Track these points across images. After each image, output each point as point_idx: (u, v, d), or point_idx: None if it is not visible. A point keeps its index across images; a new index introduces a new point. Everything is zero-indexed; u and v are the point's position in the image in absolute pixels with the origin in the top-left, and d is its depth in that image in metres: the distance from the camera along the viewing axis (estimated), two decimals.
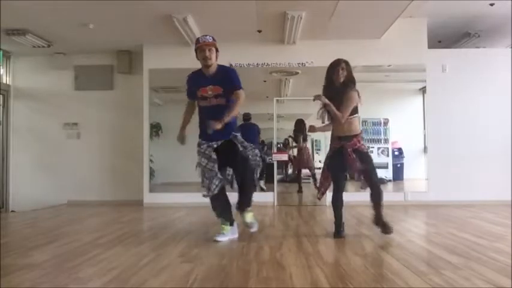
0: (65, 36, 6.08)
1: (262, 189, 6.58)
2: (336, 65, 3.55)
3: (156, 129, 6.57)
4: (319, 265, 2.62)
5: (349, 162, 3.45)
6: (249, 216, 3.61)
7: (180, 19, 5.22)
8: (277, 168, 6.68)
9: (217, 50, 3.47)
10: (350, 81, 3.56)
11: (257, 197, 6.26)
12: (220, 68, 3.50)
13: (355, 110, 3.51)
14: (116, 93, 6.94)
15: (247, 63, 6.34)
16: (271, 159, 6.62)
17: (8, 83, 7.02)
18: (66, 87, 6.98)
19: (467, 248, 3.06)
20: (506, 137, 6.09)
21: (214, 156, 3.39)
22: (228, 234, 3.55)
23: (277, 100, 6.53)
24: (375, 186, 3.49)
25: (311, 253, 2.98)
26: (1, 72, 6.89)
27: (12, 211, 6.71)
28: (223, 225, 3.57)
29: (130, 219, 5.08)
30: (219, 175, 3.40)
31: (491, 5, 5.39)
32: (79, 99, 6.92)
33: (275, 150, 6.78)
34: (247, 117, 6.73)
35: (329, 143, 3.71)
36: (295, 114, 7.33)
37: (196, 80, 3.49)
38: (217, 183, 3.39)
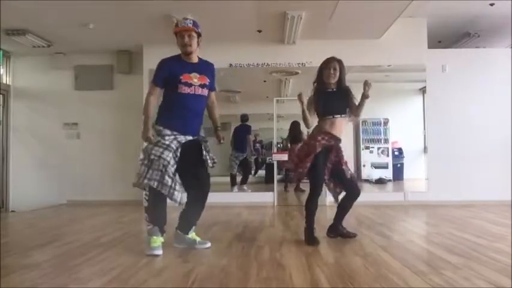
0: (65, 36, 6.08)
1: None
2: (327, 64, 3.41)
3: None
4: (319, 265, 2.62)
5: (339, 165, 3.40)
6: (195, 235, 3.22)
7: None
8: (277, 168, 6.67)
9: (199, 35, 3.16)
10: (344, 85, 3.44)
11: (257, 197, 6.38)
12: (203, 60, 3.27)
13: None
14: (116, 93, 6.94)
15: (247, 63, 6.34)
16: (271, 159, 6.64)
17: (8, 83, 7.01)
18: (66, 87, 6.98)
19: (467, 248, 3.06)
20: (506, 137, 6.08)
21: (177, 153, 3.02)
22: (160, 247, 3.04)
23: (277, 100, 6.53)
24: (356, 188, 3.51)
25: (311, 253, 2.98)
26: (1, 72, 6.88)
27: (12, 211, 6.70)
28: (155, 237, 3.03)
29: (131, 219, 5.08)
30: (178, 180, 3.00)
31: (491, 5, 5.39)
32: (79, 99, 6.92)
33: (275, 151, 6.78)
34: (244, 118, 6.77)
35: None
36: (295, 114, 7.32)
37: (176, 65, 3.12)
38: (176, 187, 2.97)
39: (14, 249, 3.31)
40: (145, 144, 3.13)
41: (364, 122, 6.86)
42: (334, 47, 6.08)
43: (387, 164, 6.83)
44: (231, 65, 6.30)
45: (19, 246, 3.47)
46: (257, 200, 6.25)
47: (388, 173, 6.80)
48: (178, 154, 3.02)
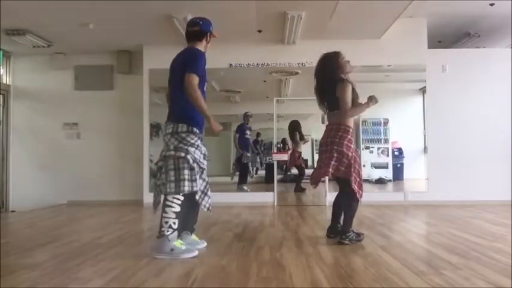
0: (65, 36, 6.08)
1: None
2: (341, 56, 3.38)
3: (156, 129, 6.56)
4: (319, 265, 2.62)
5: None
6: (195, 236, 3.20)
7: (180, 19, 5.21)
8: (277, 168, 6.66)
9: None
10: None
11: (257, 197, 6.38)
12: None
13: None
14: (116, 93, 6.94)
15: (247, 63, 6.34)
16: (271, 159, 6.64)
17: (8, 83, 7.01)
18: (66, 87, 6.97)
19: (467, 248, 3.06)
20: (506, 137, 6.08)
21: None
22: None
23: (277, 100, 6.53)
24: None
25: (311, 253, 2.98)
26: (1, 72, 6.88)
27: (12, 211, 6.70)
28: (179, 240, 2.94)
29: (130, 219, 5.08)
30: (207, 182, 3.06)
31: (491, 5, 5.39)
32: (79, 99, 6.92)
33: (275, 150, 6.78)
34: (242, 117, 6.78)
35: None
36: (295, 114, 7.34)
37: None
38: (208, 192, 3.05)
39: (14, 249, 3.31)
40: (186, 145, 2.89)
41: (364, 122, 6.86)
42: (334, 47, 6.02)
43: (387, 164, 6.83)
44: (231, 65, 6.30)
45: (19, 246, 3.47)
46: (257, 200, 6.25)
47: (388, 173, 6.80)
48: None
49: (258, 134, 7.39)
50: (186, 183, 2.83)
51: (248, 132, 6.95)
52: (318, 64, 3.46)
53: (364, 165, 6.82)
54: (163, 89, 6.77)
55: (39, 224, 4.79)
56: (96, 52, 6.83)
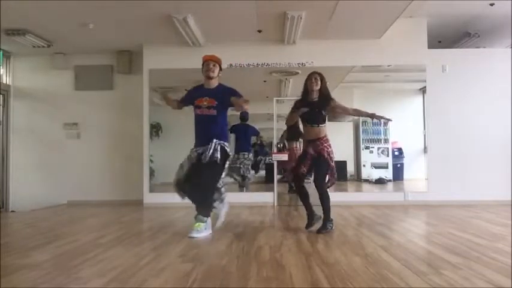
0: (65, 36, 6.08)
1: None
2: (310, 76, 3.90)
3: (156, 129, 6.57)
4: (319, 265, 2.62)
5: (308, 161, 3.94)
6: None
7: (180, 19, 5.22)
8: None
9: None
10: (327, 95, 3.88)
11: (257, 197, 6.38)
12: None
13: (325, 120, 3.87)
14: (116, 93, 6.94)
15: (247, 63, 6.34)
16: (271, 159, 6.63)
17: (8, 83, 7.01)
18: (66, 87, 6.98)
19: (467, 248, 3.06)
20: (506, 137, 6.08)
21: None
22: (203, 230, 3.70)
23: (277, 100, 6.53)
24: (319, 188, 3.89)
25: (311, 253, 2.97)
26: (1, 72, 6.88)
27: (12, 211, 6.70)
28: (199, 223, 3.71)
29: (130, 219, 5.08)
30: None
31: (491, 5, 5.39)
32: (79, 99, 6.92)
33: (275, 150, 6.77)
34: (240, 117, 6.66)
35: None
36: None
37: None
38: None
39: (14, 249, 3.31)
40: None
41: (364, 122, 6.86)
42: (334, 47, 6.13)
43: (387, 164, 6.82)
44: (231, 65, 6.29)
45: (19, 246, 3.47)
46: (257, 200, 6.25)
47: (388, 173, 6.80)
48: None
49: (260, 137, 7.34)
50: None
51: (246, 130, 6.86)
52: (316, 80, 3.87)
53: (364, 165, 6.84)
54: (162, 89, 6.84)
55: (39, 224, 4.79)
56: (96, 52, 6.84)
